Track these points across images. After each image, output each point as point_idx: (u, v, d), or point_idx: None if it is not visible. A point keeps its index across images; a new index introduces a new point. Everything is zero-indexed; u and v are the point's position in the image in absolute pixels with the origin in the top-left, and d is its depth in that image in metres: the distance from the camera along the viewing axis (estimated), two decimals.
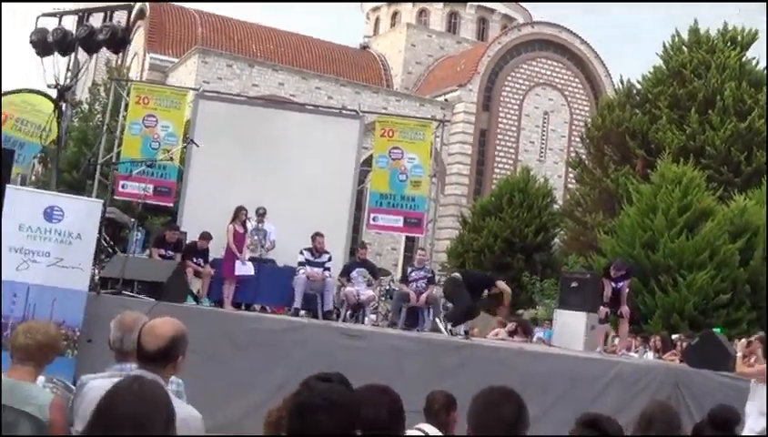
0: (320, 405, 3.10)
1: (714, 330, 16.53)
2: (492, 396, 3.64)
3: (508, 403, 3.59)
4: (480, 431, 3.57)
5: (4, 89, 14.66)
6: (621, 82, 40.42)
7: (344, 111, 24.46)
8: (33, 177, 42.72)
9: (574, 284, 15.84)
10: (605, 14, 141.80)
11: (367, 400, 3.79)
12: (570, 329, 15.10)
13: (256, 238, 16.11)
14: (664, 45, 38.34)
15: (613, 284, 14.75)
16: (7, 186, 10.90)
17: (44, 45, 13.15)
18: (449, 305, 15.55)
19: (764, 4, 34.96)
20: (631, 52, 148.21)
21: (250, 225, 15.93)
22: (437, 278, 18.04)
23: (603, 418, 4.12)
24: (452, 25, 65.82)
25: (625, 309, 14.91)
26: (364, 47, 64.83)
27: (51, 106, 13.33)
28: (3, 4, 13.25)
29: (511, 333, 18.46)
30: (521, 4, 68.74)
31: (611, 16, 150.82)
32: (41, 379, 5.12)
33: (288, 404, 3.24)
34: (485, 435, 3.55)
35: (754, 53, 38.23)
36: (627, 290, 15.08)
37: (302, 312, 14.77)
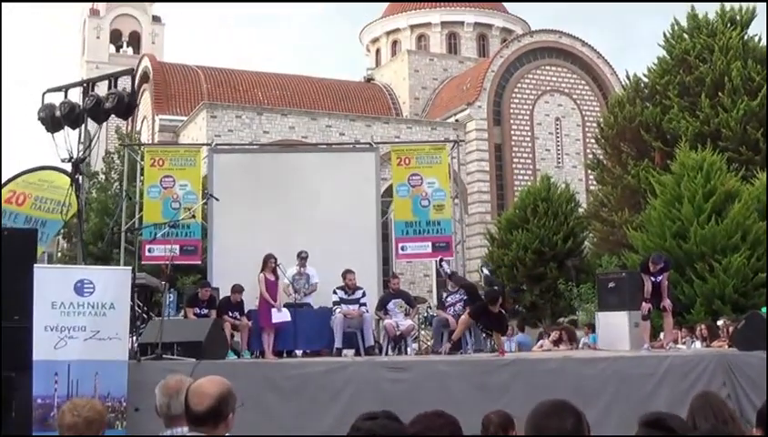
0: None
1: (761, 310, 16.33)
2: (550, 409, 3.58)
3: (567, 415, 3.53)
4: None
5: (18, 170, 14.65)
6: (628, 77, 40.17)
7: (357, 145, 24.47)
8: (59, 254, 42.93)
9: (611, 284, 15.69)
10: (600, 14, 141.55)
11: (426, 427, 3.76)
12: (614, 329, 14.94)
13: (300, 282, 16.09)
14: (665, 35, 38.14)
15: (653, 278, 14.55)
16: (35, 266, 10.97)
17: (52, 120, 13.08)
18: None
19: (765, 3, 34.61)
20: (633, 48, 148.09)
21: (293, 270, 15.92)
22: None
23: (666, 415, 4.11)
24: (452, 46, 65.94)
25: (667, 303, 14.68)
26: (369, 80, 65.02)
27: (67, 180, 13.27)
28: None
29: (556, 342, 18.32)
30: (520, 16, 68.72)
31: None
32: None
33: None
34: None
35: (755, 30, 37.93)
36: (667, 283, 14.90)
37: (344, 351, 14.70)
